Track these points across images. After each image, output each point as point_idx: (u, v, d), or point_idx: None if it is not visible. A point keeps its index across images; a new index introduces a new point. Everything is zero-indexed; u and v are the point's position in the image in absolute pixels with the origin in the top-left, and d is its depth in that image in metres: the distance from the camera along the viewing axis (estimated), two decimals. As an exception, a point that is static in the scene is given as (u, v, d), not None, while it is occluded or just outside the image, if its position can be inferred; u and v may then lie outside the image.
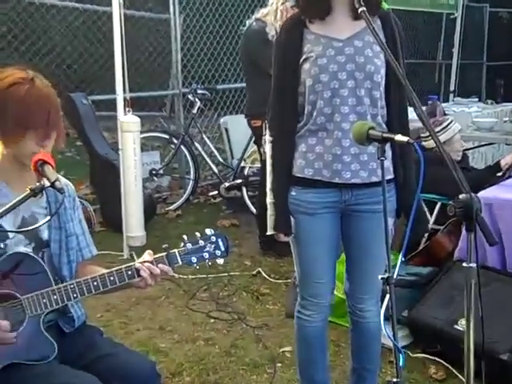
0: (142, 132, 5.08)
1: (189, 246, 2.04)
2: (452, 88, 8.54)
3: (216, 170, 6.16)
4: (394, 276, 1.75)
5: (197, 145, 6.20)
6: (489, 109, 6.60)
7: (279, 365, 3.27)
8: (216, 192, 6.08)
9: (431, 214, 4.36)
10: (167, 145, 6.41)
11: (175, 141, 6.06)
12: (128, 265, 2.01)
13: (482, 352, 1.72)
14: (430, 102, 5.10)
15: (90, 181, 5.61)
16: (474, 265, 1.59)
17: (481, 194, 3.39)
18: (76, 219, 2.16)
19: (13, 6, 7.13)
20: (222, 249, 2.08)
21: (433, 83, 10.40)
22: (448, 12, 8.42)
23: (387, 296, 1.81)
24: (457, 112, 6.00)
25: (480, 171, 4.63)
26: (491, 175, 4.25)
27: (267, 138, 2.50)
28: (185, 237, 2.06)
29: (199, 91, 6.09)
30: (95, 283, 1.97)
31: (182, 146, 6.05)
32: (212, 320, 3.76)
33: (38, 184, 1.85)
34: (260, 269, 4.46)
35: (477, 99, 7.34)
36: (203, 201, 6.27)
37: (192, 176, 6.09)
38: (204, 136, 6.34)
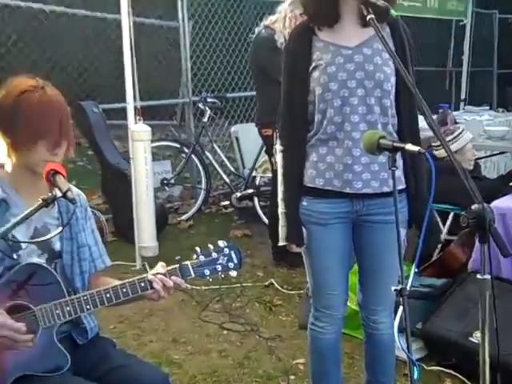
0: (152, 141, 5.08)
1: (202, 258, 2.04)
2: (463, 96, 8.49)
3: (227, 180, 6.14)
4: (407, 287, 1.74)
5: (208, 154, 6.19)
6: (500, 117, 6.57)
7: (292, 377, 3.25)
8: (228, 202, 6.06)
9: (444, 224, 4.33)
10: (178, 154, 6.40)
11: (186, 150, 6.05)
12: (141, 276, 2.01)
13: (498, 364, 1.71)
14: (440, 111, 5.08)
15: (102, 190, 5.61)
16: (488, 276, 1.58)
17: (494, 203, 3.37)
18: (88, 229, 2.16)
19: (23, 14, 7.16)
20: (235, 261, 2.07)
21: (443, 91, 10.36)
22: (457, 19, 8.38)
23: (401, 308, 1.80)
24: (468, 120, 5.97)
25: (492, 181, 4.60)
26: (504, 185, 4.22)
27: (278, 147, 2.49)
28: (198, 249, 2.05)
29: (209, 100, 6.09)
30: (108, 295, 1.96)
31: (193, 155, 6.04)
32: (225, 331, 3.75)
33: (49, 194, 1.85)
34: (273, 280, 4.45)
35: (488, 107, 7.31)
36: (215, 211, 6.27)
37: (203, 186, 6.08)
38: (215, 145, 6.32)
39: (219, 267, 2.05)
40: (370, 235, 2.44)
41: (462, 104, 8.24)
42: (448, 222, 4.32)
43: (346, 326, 3.17)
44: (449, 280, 3.61)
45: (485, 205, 1.55)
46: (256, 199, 5.69)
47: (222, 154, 6.30)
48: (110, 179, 5.40)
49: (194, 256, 2.04)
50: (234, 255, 2.07)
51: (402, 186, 2.39)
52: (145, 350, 3.51)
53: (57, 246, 2.05)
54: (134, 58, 4.48)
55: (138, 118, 4.62)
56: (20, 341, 1.85)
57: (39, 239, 1.95)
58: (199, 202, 6.07)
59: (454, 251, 3.85)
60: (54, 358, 1.95)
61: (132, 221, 4.66)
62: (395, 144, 1.81)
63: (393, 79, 2.32)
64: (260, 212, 5.65)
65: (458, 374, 3.17)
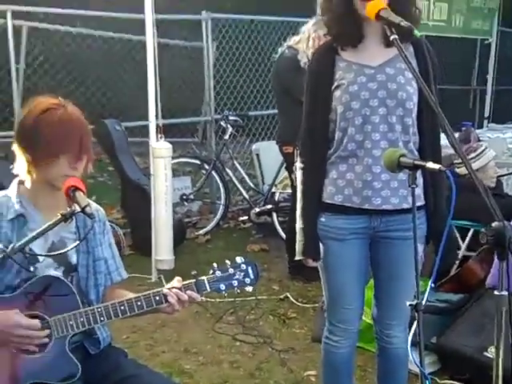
0: (173, 157, 5.16)
1: (218, 273, 2.06)
2: (487, 114, 8.45)
3: (246, 196, 6.17)
4: (423, 302, 1.73)
5: (228, 170, 6.23)
6: (524, 135, 6.49)
7: (303, 388, 3.26)
8: (246, 217, 6.10)
9: (464, 240, 4.30)
10: (198, 170, 6.45)
11: (206, 166, 6.10)
12: (156, 290, 2.03)
13: (511, 379, 1.69)
14: (463, 129, 5.06)
15: (121, 205, 5.68)
16: (505, 293, 1.58)
17: (514, 221, 3.33)
18: (105, 243, 2.19)
19: (50, 35, 7.33)
20: (252, 276, 2.09)
21: (467, 109, 10.31)
22: (482, 38, 8.37)
23: (415, 322, 1.79)
24: (492, 138, 5.93)
25: (514, 198, 4.55)
26: (526, 202, 4.18)
27: (298, 164, 2.51)
28: (214, 264, 2.08)
29: (231, 118, 6.15)
30: (122, 308, 1.99)
31: (213, 172, 6.10)
32: (238, 343, 3.76)
33: (68, 210, 1.89)
34: (288, 293, 4.46)
35: (512, 125, 7.25)
36: (233, 226, 6.29)
37: (222, 201, 6.12)
38: (235, 162, 6.37)
39: (235, 282, 2.07)
40: (387, 251, 2.44)
41: (485, 122, 8.20)
42: (467, 239, 4.29)
43: (360, 339, 3.14)
44: (465, 295, 3.59)
45: (505, 222, 1.55)
46: (274, 214, 5.72)
47: (242, 171, 6.35)
48: (130, 194, 5.47)
49: (211, 271, 2.07)
50: (250, 271, 2.09)
51: (420, 202, 2.39)
52: (157, 360, 3.53)
53: (73, 259, 2.08)
54: (158, 78, 4.56)
55: (159, 135, 4.69)
56: (36, 337, 1.89)
57: (56, 252, 1.98)
58: (218, 216, 6.11)
59: (473, 267, 3.82)
60: (65, 367, 1.97)
61: (150, 235, 4.71)
62: (416, 162, 1.83)
63: (415, 98, 2.33)
64: (278, 227, 5.67)
65: (470, 389, 3.14)
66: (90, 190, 1.94)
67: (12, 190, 2.07)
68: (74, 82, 7.87)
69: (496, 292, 1.58)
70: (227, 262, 2.08)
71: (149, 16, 4.51)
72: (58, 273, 2.04)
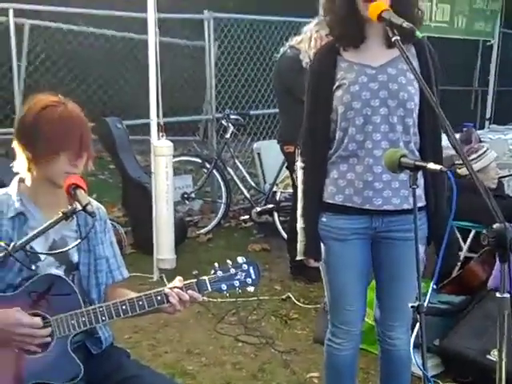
0: (174, 156, 5.15)
1: (219, 273, 2.06)
2: (488, 115, 8.46)
3: (248, 195, 6.17)
4: (425, 304, 1.72)
5: (229, 169, 6.23)
6: (526, 136, 6.49)
7: (306, 390, 3.25)
8: (247, 216, 6.09)
9: (465, 241, 4.29)
10: (200, 169, 6.45)
11: (208, 165, 6.10)
12: (157, 290, 2.02)
13: (514, 382, 1.69)
14: (465, 129, 5.05)
15: (122, 203, 5.67)
16: (507, 295, 1.57)
17: (516, 222, 3.32)
18: (107, 242, 2.18)
19: (52, 33, 7.33)
20: (253, 277, 2.08)
21: (468, 110, 10.32)
22: (484, 39, 8.37)
23: (418, 324, 1.79)
24: (493, 139, 5.93)
25: (515, 199, 4.54)
26: (528, 204, 4.17)
27: (299, 164, 2.51)
28: (216, 264, 2.08)
29: (232, 116, 6.15)
30: (124, 307, 1.98)
31: (215, 171, 6.09)
32: (240, 344, 3.75)
33: (69, 208, 1.88)
34: (290, 294, 4.45)
35: (513, 126, 7.24)
36: (234, 225, 6.29)
37: (224, 200, 6.11)
38: (236, 161, 6.37)
39: (237, 283, 2.06)
40: (388, 251, 2.44)
41: (487, 123, 8.21)
42: (469, 240, 4.28)
43: (363, 341, 3.13)
44: (467, 297, 3.59)
45: (506, 224, 1.55)
46: (276, 214, 5.71)
47: (243, 170, 6.35)
48: (131, 192, 5.46)
49: (212, 271, 2.06)
50: (252, 271, 2.08)
51: (421, 203, 2.39)
52: (159, 360, 3.52)
53: (75, 257, 2.08)
54: (159, 77, 4.55)
55: (160, 134, 4.69)
56: (38, 335, 1.88)
57: (57, 251, 1.98)
58: (219, 215, 6.11)
59: (474, 269, 3.82)
60: (67, 367, 1.97)
61: (151, 233, 4.71)
62: (417, 163, 1.83)
63: (416, 98, 2.33)
64: (279, 227, 5.67)
65: (473, 391, 3.14)
66: (91, 188, 1.93)
67: (12, 187, 2.07)
68: (75, 80, 7.88)
69: (498, 294, 1.58)
70: (228, 261, 2.08)
71: (151, 15, 4.50)
72: (60, 271, 2.03)
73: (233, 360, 3.55)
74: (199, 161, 6.26)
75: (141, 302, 2.00)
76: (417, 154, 2.37)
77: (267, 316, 4.14)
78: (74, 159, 1.98)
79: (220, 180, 6.16)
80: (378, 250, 2.46)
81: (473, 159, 4.27)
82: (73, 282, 2.03)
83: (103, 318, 1.97)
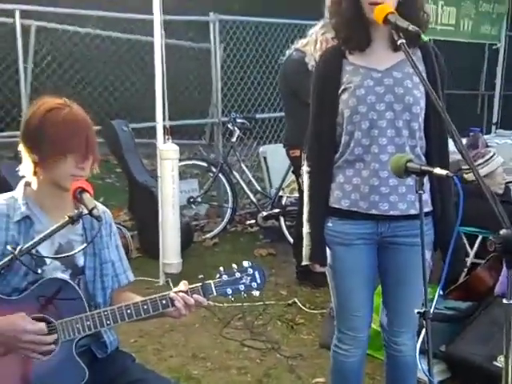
0: (180, 160, 5.16)
1: (225, 277, 2.06)
2: (495, 120, 8.43)
3: (254, 199, 6.16)
4: (431, 310, 1.71)
5: (235, 173, 6.22)
6: (533, 141, 6.47)
7: (312, 396, 3.25)
8: (253, 221, 6.08)
9: (472, 247, 4.28)
10: (206, 173, 6.46)
11: (214, 169, 6.10)
12: (162, 294, 2.02)
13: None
14: (471, 134, 5.03)
15: (129, 207, 5.67)
16: (513, 301, 1.56)
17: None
18: (112, 246, 2.18)
19: (59, 35, 7.36)
20: (259, 281, 2.08)
21: (475, 115, 10.29)
22: (490, 43, 8.35)
23: (424, 329, 1.78)
24: (500, 144, 5.91)
25: (523, 205, 4.52)
26: (535, 209, 4.15)
27: (305, 168, 2.50)
28: (221, 268, 2.08)
29: (238, 120, 6.14)
30: (129, 311, 1.98)
31: (221, 175, 6.09)
32: (245, 348, 3.75)
33: (76, 211, 1.89)
34: (296, 299, 4.44)
35: (520, 131, 7.22)
36: (240, 229, 6.28)
37: (230, 204, 6.11)
38: (242, 165, 6.37)
39: (242, 287, 2.07)
40: (395, 257, 2.43)
41: (493, 128, 8.18)
42: (476, 246, 4.27)
43: (369, 347, 3.11)
44: (474, 303, 3.58)
45: None
46: (282, 219, 5.70)
47: (249, 174, 6.34)
48: (137, 196, 5.46)
49: (217, 275, 2.06)
50: (257, 275, 2.08)
51: (428, 208, 2.38)
52: (164, 364, 3.52)
53: (80, 261, 2.08)
54: (165, 79, 4.56)
55: (166, 137, 4.69)
56: (43, 342, 1.88)
57: (63, 255, 1.98)
58: (225, 220, 6.10)
59: (481, 275, 3.80)
60: (71, 371, 1.97)
61: (157, 238, 4.71)
62: (423, 168, 1.82)
63: (422, 102, 2.32)
64: (285, 231, 5.66)
65: (480, 398, 3.12)
66: (97, 192, 1.93)
67: (18, 191, 2.07)
68: (81, 82, 7.90)
69: (504, 301, 1.57)
70: (234, 265, 2.08)
71: (157, 17, 4.51)
72: (66, 275, 2.03)
73: (238, 365, 3.55)
74: (205, 165, 6.26)
75: (146, 306, 2.00)
76: (423, 158, 2.36)
77: (273, 321, 4.13)
78: (80, 162, 1.99)
79: (226, 184, 6.15)
80: (384, 255, 2.45)
81: (479, 164, 4.25)
82: (78, 286, 2.03)
83: (108, 322, 1.97)
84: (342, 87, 2.35)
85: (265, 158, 6.36)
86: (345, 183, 2.38)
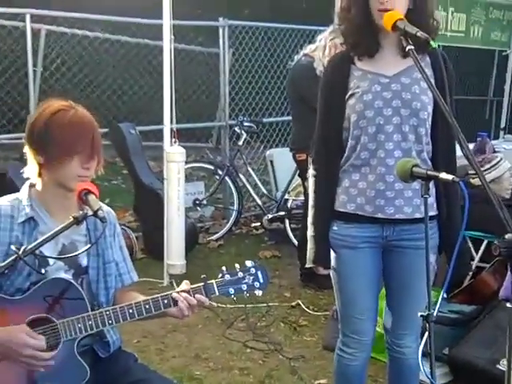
0: (187, 162, 5.18)
1: (227, 277, 2.06)
2: (503, 125, 8.41)
3: (259, 202, 6.17)
4: (435, 313, 1.72)
5: (241, 176, 6.23)
6: (541, 146, 6.44)
7: (314, 397, 3.26)
8: (259, 223, 6.10)
9: (477, 251, 4.27)
10: (212, 175, 6.47)
11: (220, 172, 6.12)
12: (164, 294, 2.03)
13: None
14: (479, 139, 5.02)
15: (134, 208, 5.69)
16: (517, 305, 1.57)
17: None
18: (116, 246, 2.19)
19: (68, 40, 7.41)
20: (261, 281, 2.08)
21: (483, 120, 10.28)
22: (500, 49, 8.34)
23: (426, 332, 1.78)
24: (507, 149, 5.88)
25: (529, 210, 4.50)
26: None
27: (310, 172, 2.51)
28: (224, 268, 2.08)
29: (246, 124, 6.16)
30: (131, 311, 1.99)
31: (227, 177, 6.10)
32: (248, 350, 3.75)
33: (80, 212, 1.90)
34: (299, 301, 4.44)
35: (528, 136, 7.19)
36: (245, 232, 6.28)
37: (235, 207, 6.12)
38: (249, 168, 6.38)
39: (244, 286, 2.06)
40: (399, 260, 2.43)
41: (501, 133, 8.16)
42: (481, 250, 4.25)
43: (372, 349, 3.13)
44: (478, 307, 3.57)
45: None
46: (287, 221, 5.71)
47: (255, 177, 6.36)
48: (143, 198, 5.48)
49: (220, 275, 2.06)
50: (260, 275, 2.08)
51: (433, 212, 2.38)
52: (167, 365, 3.53)
53: (84, 261, 2.08)
54: (173, 83, 4.58)
55: (173, 140, 4.71)
56: (42, 358, 1.89)
57: (67, 255, 1.99)
58: (230, 222, 6.11)
59: (486, 278, 3.79)
60: (73, 371, 1.98)
61: (162, 239, 4.73)
62: (429, 172, 1.83)
63: (430, 108, 2.33)
64: (290, 234, 5.67)
65: (482, 401, 3.12)
66: (103, 193, 1.95)
67: (23, 192, 2.08)
68: (90, 86, 7.95)
69: (508, 305, 1.57)
70: (237, 265, 2.08)
71: (166, 21, 4.53)
72: (68, 275, 2.04)
73: (240, 365, 3.55)
74: (212, 167, 6.27)
75: (147, 306, 2.00)
76: (429, 163, 2.36)
77: (276, 322, 4.13)
78: (85, 162, 2.00)
79: (232, 187, 6.16)
80: (389, 258, 2.45)
81: (486, 169, 4.24)
82: (81, 286, 2.04)
83: (110, 322, 1.98)
84: (350, 92, 2.36)
85: (271, 162, 6.37)
86: (350, 187, 2.38)
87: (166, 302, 2.01)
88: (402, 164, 1.90)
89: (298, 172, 5.06)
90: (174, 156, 4.69)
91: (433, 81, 2.20)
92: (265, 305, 4.31)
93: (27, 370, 1.91)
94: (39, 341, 1.88)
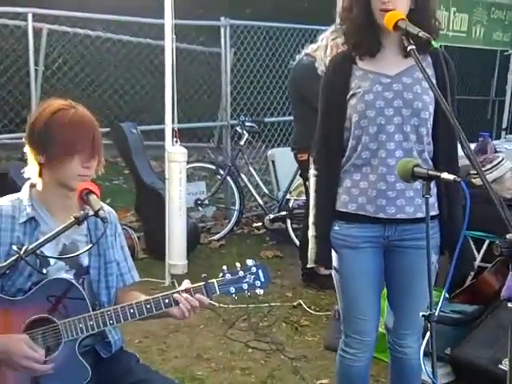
0: (189, 162, 5.18)
1: (228, 276, 2.05)
2: (504, 125, 8.41)
3: (261, 202, 6.17)
4: (436, 313, 1.72)
5: (243, 176, 6.24)
6: (543, 146, 6.44)
7: (316, 397, 3.26)
8: (260, 223, 6.11)
9: (479, 251, 4.26)
10: (214, 175, 6.48)
11: (222, 171, 6.12)
12: (165, 293, 2.03)
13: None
14: (480, 139, 5.02)
15: (135, 208, 5.69)
16: (519, 305, 1.56)
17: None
18: (117, 246, 2.19)
19: (70, 39, 7.41)
20: (262, 280, 2.08)
21: (485, 120, 10.28)
22: (502, 49, 8.34)
23: (428, 332, 1.78)
24: (509, 149, 5.87)
25: (531, 209, 4.50)
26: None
27: (311, 172, 2.51)
28: (224, 267, 2.08)
29: (247, 123, 6.16)
30: (132, 310, 1.99)
31: (228, 177, 6.11)
32: (250, 350, 3.75)
33: (82, 212, 1.90)
34: (301, 300, 4.45)
35: (529, 136, 7.19)
36: (247, 232, 6.28)
37: (237, 207, 6.12)
38: (250, 168, 6.38)
39: (245, 285, 2.06)
40: (401, 260, 2.43)
41: (503, 133, 8.17)
42: (482, 250, 4.25)
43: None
44: (480, 307, 3.57)
45: None
46: (289, 221, 5.71)
47: (257, 177, 6.36)
48: (144, 198, 5.48)
49: (221, 274, 2.06)
50: (261, 274, 2.08)
51: (434, 212, 2.38)
52: (169, 365, 3.53)
53: (85, 261, 2.08)
54: (175, 83, 4.58)
55: (175, 139, 4.71)
56: (39, 370, 1.89)
57: (68, 256, 1.99)
58: (232, 222, 6.11)
59: (488, 278, 3.79)
60: (74, 371, 1.98)
61: (164, 239, 4.73)
62: (430, 172, 1.83)
63: (431, 108, 2.33)
64: (292, 234, 5.67)
65: (485, 401, 3.11)
66: (105, 193, 1.94)
67: (24, 192, 2.08)
68: (91, 85, 7.96)
69: (510, 304, 1.57)
70: (237, 264, 2.08)
71: (168, 21, 4.53)
72: (69, 275, 2.04)
73: (242, 366, 3.55)
74: (213, 167, 6.28)
75: (148, 306, 2.00)
76: (430, 163, 2.36)
77: (278, 322, 4.13)
78: (86, 161, 2.00)
79: (233, 187, 6.16)
80: (390, 258, 2.45)
81: (488, 169, 4.23)
82: (83, 286, 2.04)
83: (111, 322, 1.98)
84: (351, 92, 2.36)
85: (273, 162, 6.38)
86: (352, 187, 2.38)
87: (167, 301, 2.01)
88: (403, 164, 1.90)
89: (299, 172, 5.06)
90: (176, 156, 4.70)
91: (434, 81, 2.19)
92: (266, 305, 4.32)
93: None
94: (38, 353, 1.89)
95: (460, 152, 2.38)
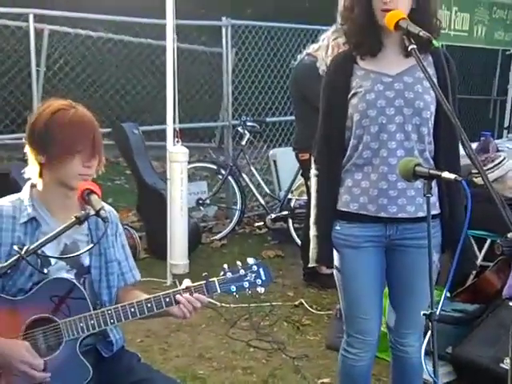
0: (190, 162, 5.18)
1: (229, 274, 2.06)
2: (506, 124, 8.41)
3: (263, 201, 6.18)
4: (438, 312, 1.72)
5: (244, 176, 6.24)
6: (544, 145, 6.43)
7: (317, 396, 3.25)
8: (262, 223, 6.11)
9: (480, 250, 4.26)
10: (215, 175, 6.48)
11: (223, 171, 6.12)
12: (166, 292, 2.03)
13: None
14: (482, 138, 5.02)
15: (137, 208, 5.69)
16: (520, 304, 1.57)
17: (531, 232, 3.30)
18: (118, 245, 2.19)
19: (71, 39, 7.42)
20: (263, 278, 2.08)
21: (487, 119, 10.28)
22: (504, 48, 8.33)
23: (429, 331, 1.78)
24: (511, 148, 5.87)
25: (533, 209, 4.49)
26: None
27: (312, 171, 2.51)
28: (225, 266, 2.08)
29: (249, 123, 6.16)
30: (132, 309, 1.99)
31: (230, 177, 6.11)
32: (251, 349, 3.75)
33: (83, 212, 1.90)
34: (302, 300, 4.45)
35: (532, 135, 7.19)
36: (249, 231, 6.28)
37: (238, 206, 6.12)
38: (252, 167, 6.38)
39: (246, 284, 2.06)
40: (402, 259, 2.43)
41: (505, 132, 8.16)
42: (484, 249, 4.25)
43: (375, 348, 3.14)
44: (481, 306, 3.56)
45: None
46: (290, 221, 5.72)
47: (258, 177, 6.36)
48: (146, 198, 5.48)
49: (222, 273, 2.06)
50: (262, 272, 2.08)
51: (436, 211, 2.38)
52: (170, 364, 3.53)
53: (86, 261, 2.09)
54: (176, 83, 4.58)
55: (176, 140, 4.71)
56: (37, 378, 1.90)
57: (69, 255, 1.99)
58: (233, 222, 6.11)
59: (489, 277, 3.78)
60: (75, 370, 1.98)
61: (165, 239, 4.73)
62: (431, 171, 1.83)
63: (433, 107, 2.33)
64: (294, 233, 5.67)
65: (486, 399, 3.11)
66: (106, 193, 1.95)
67: (24, 193, 2.08)
68: (93, 85, 7.97)
69: (511, 303, 1.57)
70: (238, 263, 2.08)
71: (169, 21, 4.53)
72: (70, 275, 2.04)
73: (244, 365, 3.55)
74: (215, 167, 6.28)
75: (149, 305, 2.00)
76: (431, 162, 2.36)
77: (279, 322, 4.13)
78: (86, 161, 2.00)
79: (235, 186, 6.16)
80: (392, 257, 2.45)
81: (489, 168, 4.23)
82: (84, 285, 2.04)
83: (112, 321, 1.98)
84: (352, 92, 2.36)
85: (274, 161, 6.38)
86: (353, 187, 2.38)
87: (167, 300, 2.01)
88: (404, 163, 1.90)
89: (300, 171, 5.06)
90: (177, 156, 4.70)
91: (435, 80, 2.20)
92: (268, 304, 4.32)
93: None
94: (37, 361, 1.89)
95: (461, 151, 2.39)
